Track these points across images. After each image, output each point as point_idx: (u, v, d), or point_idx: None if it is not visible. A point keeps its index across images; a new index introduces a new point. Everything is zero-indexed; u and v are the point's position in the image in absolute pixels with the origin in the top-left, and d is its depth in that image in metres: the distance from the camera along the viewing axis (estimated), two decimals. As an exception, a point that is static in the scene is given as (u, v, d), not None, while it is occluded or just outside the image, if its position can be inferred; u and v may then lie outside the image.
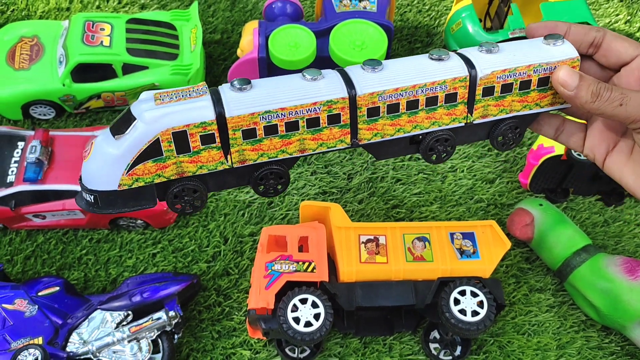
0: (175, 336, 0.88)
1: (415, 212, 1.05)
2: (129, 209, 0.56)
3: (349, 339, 0.93)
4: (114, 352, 0.84)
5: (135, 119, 0.52)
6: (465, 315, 0.83)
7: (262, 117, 0.54)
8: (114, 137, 0.53)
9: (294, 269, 0.84)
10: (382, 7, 1.13)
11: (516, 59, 0.58)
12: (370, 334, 0.93)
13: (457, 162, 1.11)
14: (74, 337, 0.84)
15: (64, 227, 1.01)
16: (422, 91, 0.57)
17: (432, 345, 0.92)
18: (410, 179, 1.09)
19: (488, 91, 0.59)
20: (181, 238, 1.01)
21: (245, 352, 0.91)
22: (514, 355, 0.92)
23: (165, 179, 0.55)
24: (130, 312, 0.86)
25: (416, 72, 0.57)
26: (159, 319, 0.85)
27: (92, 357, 0.83)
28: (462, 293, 0.85)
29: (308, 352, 0.90)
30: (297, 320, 0.81)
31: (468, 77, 0.58)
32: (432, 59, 0.58)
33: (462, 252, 0.88)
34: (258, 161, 0.56)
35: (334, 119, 0.56)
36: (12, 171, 0.97)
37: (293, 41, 1.07)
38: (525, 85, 0.59)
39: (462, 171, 1.10)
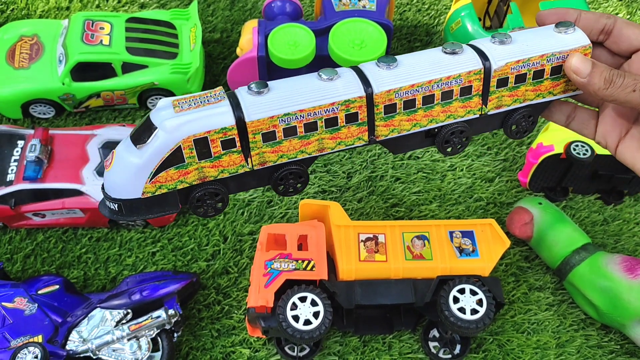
0: (175, 334, 0.88)
1: (415, 211, 1.06)
2: (153, 215, 0.56)
3: (348, 338, 0.93)
4: (114, 351, 0.84)
5: (156, 127, 0.53)
6: (464, 313, 0.83)
7: (282, 120, 0.54)
8: (135, 146, 0.53)
9: (293, 267, 0.84)
10: (382, 6, 1.13)
11: (529, 49, 0.58)
12: (369, 333, 0.93)
13: (457, 161, 1.11)
14: (74, 336, 0.84)
15: (63, 226, 1.01)
16: (438, 86, 0.57)
17: (431, 344, 0.92)
18: (410, 178, 1.09)
19: (502, 82, 0.59)
20: (181, 237, 1.01)
21: (244, 350, 0.91)
22: (513, 353, 0.92)
23: (188, 185, 0.55)
24: (129, 311, 0.86)
25: (431, 67, 0.57)
26: (158, 317, 0.85)
27: (92, 356, 0.83)
28: (462, 291, 0.85)
29: (307, 350, 0.91)
30: (296, 318, 0.81)
31: (482, 70, 0.58)
32: (445, 52, 0.58)
33: (461, 251, 0.88)
34: (278, 162, 0.57)
35: (351, 118, 0.57)
36: (12, 170, 0.97)
37: (292, 40, 1.07)
38: (538, 74, 0.60)
39: (462, 170, 1.10)
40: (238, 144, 0.54)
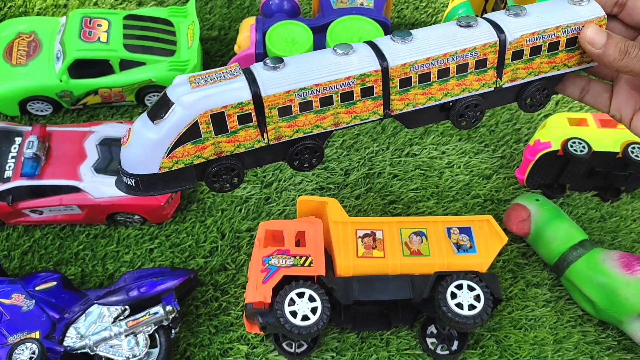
0: (173, 331, 0.88)
1: (412, 208, 1.06)
2: (170, 190, 0.57)
3: (346, 334, 0.93)
4: (111, 347, 0.84)
5: (173, 103, 0.53)
6: (462, 309, 0.83)
7: (298, 95, 0.54)
8: (152, 122, 0.54)
9: (291, 263, 0.84)
10: (379, 4, 1.13)
11: (544, 21, 0.58)
12: (367, 329, 0.93)
13: (454, 158, 1.12)
14: (71, 332, 0.84)
15: (61, 223, 1.01)
16: (453, 59, 0.57)
17: (429, 340, 0.92)
18: (407, 175, 1.09)
19: (517, 55, 0.59)
20: (178, 233, 1.01)
21: (242, 347, 0.91)
22: (510, 349, 0.93)
23: (204, 160, 0.55)
24: (127, 307, 0.86)
25: (446, 40, 0.57)
26: (156, 313, 0.85)
27: (89, 352, 0.83)
28: (459, 287, 0.85)
29: (305, 347, 0.91)
30: (294, 314, 0.81)
31: (498, 43, 0.58)
32: (460, 25, 0.58)
33: (459, 247, 0.88)
34: (293, 137, 0.57)
35: (367, 92, 0.57)
36: (10, 166, 0.97)
37: (290, 37, 1.08)
38: (553, 46, 0.59)
39: (459, 167, 1.11)
40: (254, 118, 0.54)
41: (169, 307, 0.86)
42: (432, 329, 0.92)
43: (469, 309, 0.83)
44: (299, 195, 1.05)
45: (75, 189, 0.96)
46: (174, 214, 1.03)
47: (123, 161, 0.56)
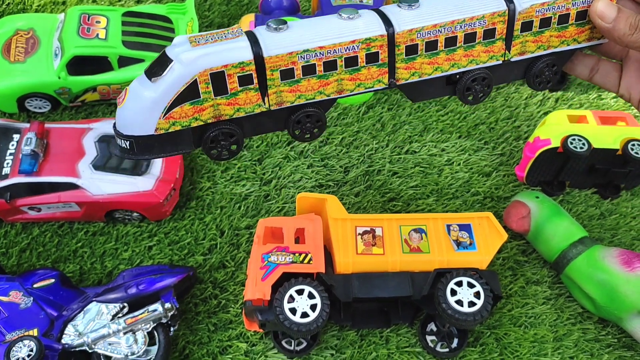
0: (171, 328, 0.88)
1: (412, 205, 1.05)
2: (166, 154, 0.55)
3: (345, 332, 0.92)
4: (110, 344, 0.83)
5: (171, 60, 0.52)
6: (462, 305, 0.83)
7: (301, 57, 0.53)
8: (150, 80, 0.52)
9: (291, 260, 0.84)
10: (379, 1, 1.13)
11: None
12: (367, 326, 0.93)
13: (454, 155, 1.11)
14: (69, 329, 0.84)
15: (59, 220, 1.01)
16: (461, 27, 0.56)
17: (429, 338, 0.92)
18: (407, 172, 1.09)
19: (526, 26, 0.58)
20: (177, 231, 1.01)
21: (241, 344, 0.90)
22: (510, 347, 0.92)
23: (203, 122, 0.54)
24: (126, 304, 0.86)
25: (454, 7, 0.56)
26: (154, 310, 0.85)
27: (88, 349, 0.83)
28: (459, 284, 0.85)
29: (304, 344, 0.90)
30: (293, 311, 0.81)
31: (507, 12, 0.57)
32: None
33: (458, 244, 0.88)
34: (295, 103, 0.56)
35: (372, 58, 0.56)
36: (8, 163, 0.96)
37: (289, 34, 1.07)
38: (563, 19, 0.58)
39: (459, 164, 1.10)
40: (255, 80, 0.53)
41: (167, 305, 0.85)
42: (432, 326, 0.92)
43: (469, 306, 0.83)
44: (298, 193, 1.05)
45: (73, 186, 0.96)
46: (173, 212, 1.03)
47: (118, 122, 0.54)
